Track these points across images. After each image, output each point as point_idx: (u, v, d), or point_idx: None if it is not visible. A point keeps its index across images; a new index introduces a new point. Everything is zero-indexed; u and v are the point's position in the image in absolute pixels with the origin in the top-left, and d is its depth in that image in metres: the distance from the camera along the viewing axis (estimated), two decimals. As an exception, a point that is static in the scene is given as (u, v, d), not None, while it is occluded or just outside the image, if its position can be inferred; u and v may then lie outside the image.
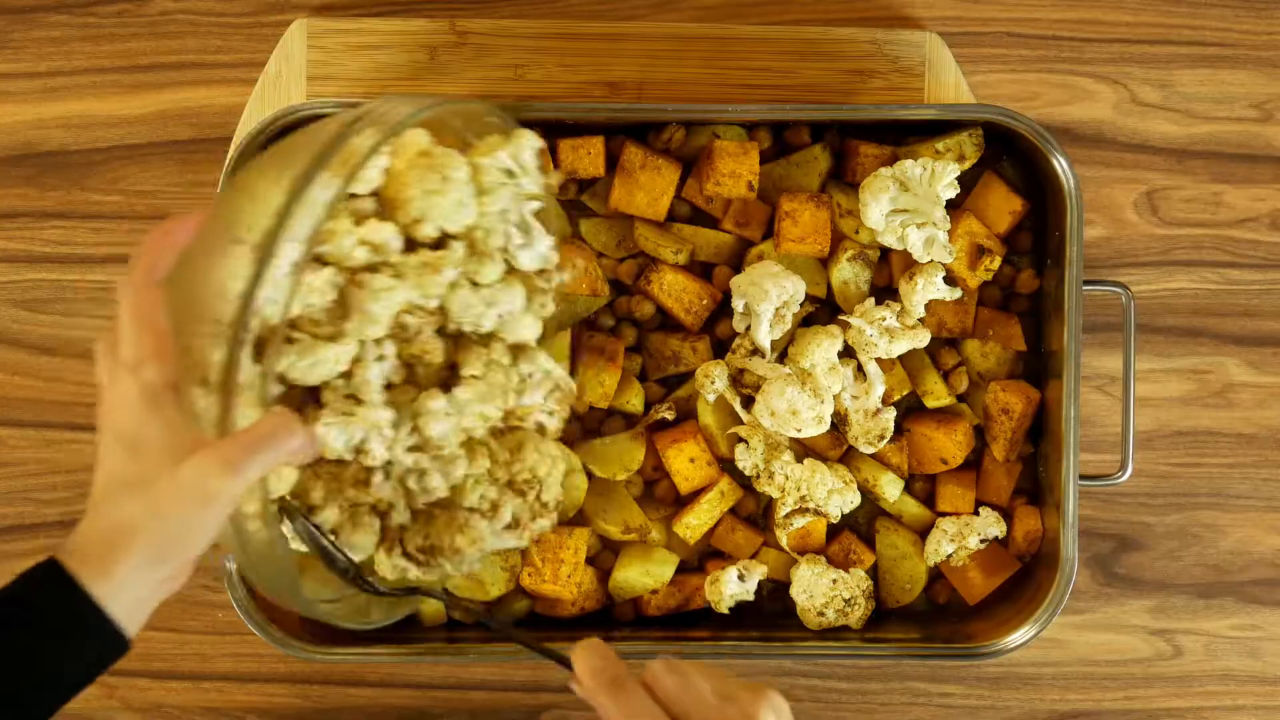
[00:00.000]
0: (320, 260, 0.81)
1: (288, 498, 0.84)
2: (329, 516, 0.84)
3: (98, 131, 1.11)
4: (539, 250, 0.91)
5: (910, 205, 1.02)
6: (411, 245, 0.85)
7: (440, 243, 0.86)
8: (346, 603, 0.90)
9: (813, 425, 1.03)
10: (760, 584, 1.08)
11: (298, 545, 0.85)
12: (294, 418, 0.71)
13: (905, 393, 1.08)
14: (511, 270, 0.90)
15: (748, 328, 1.05)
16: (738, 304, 1.05)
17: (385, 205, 0.85)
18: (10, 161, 1.11)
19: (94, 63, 1.10)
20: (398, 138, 0.83)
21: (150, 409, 0.70)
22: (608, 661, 0.76)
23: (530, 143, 0.88)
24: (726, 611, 1.06)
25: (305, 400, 0.84)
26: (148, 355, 0.71)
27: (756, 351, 1.05)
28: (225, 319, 0.67)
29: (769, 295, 1.02)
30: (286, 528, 0.83)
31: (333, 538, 0.85)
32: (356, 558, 0.86)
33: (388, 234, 0.83)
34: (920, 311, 1.05)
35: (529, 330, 0.92)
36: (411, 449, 0.86)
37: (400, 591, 0.90)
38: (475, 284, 0.88)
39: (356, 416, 0.82)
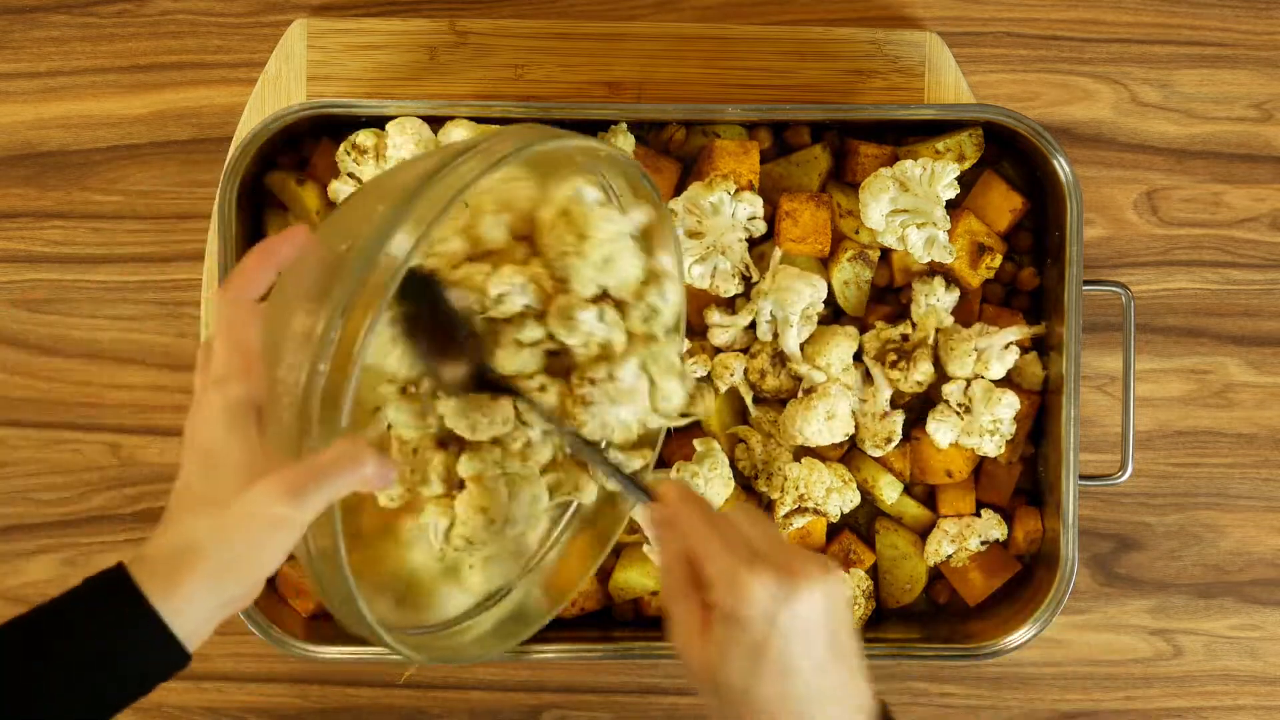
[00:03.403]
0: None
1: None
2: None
3: (98, 131, 1.11)
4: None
5: (910, 205, 1.02)
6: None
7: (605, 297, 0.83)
8: (454, 635, 0.86)
9: (841, 431, 1.03)
10: (760, 584, 1.08)
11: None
12: (364, 446, 0.68)
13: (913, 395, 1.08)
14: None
15: (772, 334, 1.04)
16: (763, 311, 1.04)
17: (538, 250, 0.83)
18: (10, 161, 1.11)
19: (94, 63, 1.10)
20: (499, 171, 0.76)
21: (230, 427, 0.69)
22: (692, 492, 0.77)
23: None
24: (726, 612, 1.06)
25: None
26: (235, 373, 0.70)
27: (780, 356, 1.04)
28: (310, 342, 0.66)
29: (802, 296, 1.01)
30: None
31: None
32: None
33: (516, 292, 0.79)
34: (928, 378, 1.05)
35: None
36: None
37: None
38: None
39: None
